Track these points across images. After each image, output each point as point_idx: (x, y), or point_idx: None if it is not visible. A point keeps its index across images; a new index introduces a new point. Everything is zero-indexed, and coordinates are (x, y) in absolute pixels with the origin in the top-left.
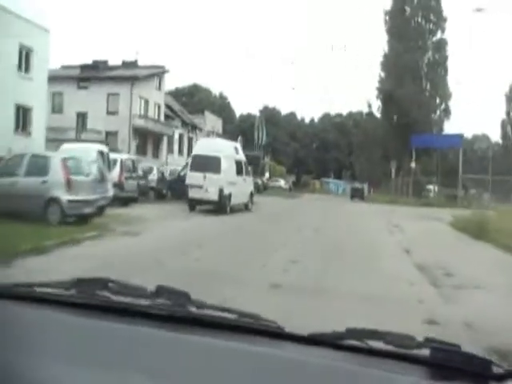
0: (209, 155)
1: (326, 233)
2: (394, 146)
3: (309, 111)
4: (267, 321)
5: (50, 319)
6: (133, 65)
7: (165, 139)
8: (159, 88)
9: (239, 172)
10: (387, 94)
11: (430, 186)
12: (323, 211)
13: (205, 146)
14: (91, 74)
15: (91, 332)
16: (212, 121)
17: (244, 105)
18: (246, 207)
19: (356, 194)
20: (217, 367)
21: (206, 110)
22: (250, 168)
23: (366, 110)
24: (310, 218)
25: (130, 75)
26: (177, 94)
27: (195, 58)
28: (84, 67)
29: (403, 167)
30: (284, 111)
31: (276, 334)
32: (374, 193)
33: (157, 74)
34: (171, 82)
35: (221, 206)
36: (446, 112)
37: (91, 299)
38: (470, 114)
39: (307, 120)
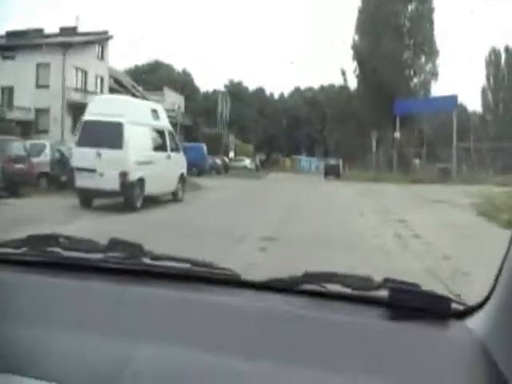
0: (105, 121)
1: (287, 246)
2: (374, 114)
3: (278, 86)
4: (222, 269)
5: (1, 279)
6: (71, 31)
7: None
8: (101, 57)
9: (160, 147)
10: (364, 54)
11: (416, 160)
12: (289, 197)
13: (101, 106)
14: (18, 42)
15: (44, 289)
16: (172, 98)
17: (210, 82)
18: (174, 197)
19: (330, 172)
20: (171, 317)
21: (166, 87)
22: (178, 140)
23: (338, 82)
24: (269, 208)
25: (63, 42)
26: (136, 72)
27: (157, 32)
28: (11, 34)
29: (385, 139)
30: (252, 87)
31: (232, 282)
32: (349, 169)
33: (97, 40)
34: (130, 59)
35: (126, 200)
36: (433, 73)
37: (43, 256)
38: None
39: (276, 95)
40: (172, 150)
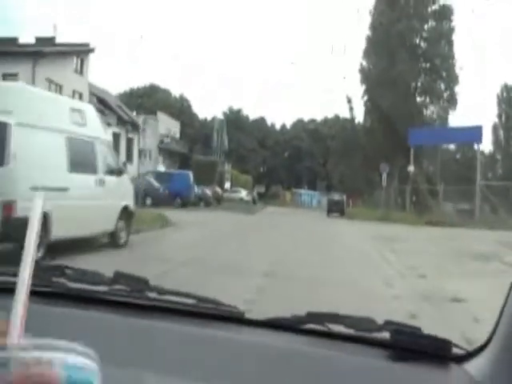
0: None
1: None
2: (384, 145)
3: (280, 117)
4: (227, 306)
5: (6, 308)
6: (47, 42)
7: None
8: (80, 72)
9: (84, 166)
10: (373, 78)
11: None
12: (285, 240)
13: None
14: None
15: (47, 319)
16: (166, 123)
17: (209, 109)
18: (112, 240)
19: (334, 208)
20: (175, 351)
21: (160, 111)
22: (120, 160)
23: (343, 114)
24: (252, 262)
25: (33, 51)
26: (132, 95)
27: (155, 55)
28: None
29: (395, 174)
30: (253, 116)
31: (236, 320)
32: (353, 206)
33: (75, 52)
34: (126, 82)
35: (14, 248)
36: (452, 100)
37: (48, 286)
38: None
39: (278, 126)
40: (109, 172)
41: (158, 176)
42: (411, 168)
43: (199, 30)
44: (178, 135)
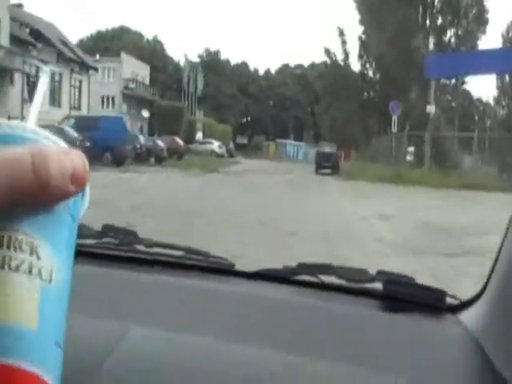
0: None
1: None
2: (390, 80)
3: (264, 62)
4: (217, 257)
5: None
6: None
7: (16, 78)
8: None
9: None
10: None
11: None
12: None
13: None
14: None
15: None
16: (133, 66)
17: (185, 52)
18: None
19: (324, 163)
20: (162, 302)
21: (124, 52)
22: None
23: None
24: None
25: None
26: (99, 38)
27: None
28: None
29: (407, 115)
30: (234, 60)
31: (226, 271)
32: (345, 159)
33: None
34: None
35: None
36: (480, 19)
37: None
38: None
39: (262, 72)
40: None
41: (79, 122)
42: (431, 108)
43: None
44: (147, 80)
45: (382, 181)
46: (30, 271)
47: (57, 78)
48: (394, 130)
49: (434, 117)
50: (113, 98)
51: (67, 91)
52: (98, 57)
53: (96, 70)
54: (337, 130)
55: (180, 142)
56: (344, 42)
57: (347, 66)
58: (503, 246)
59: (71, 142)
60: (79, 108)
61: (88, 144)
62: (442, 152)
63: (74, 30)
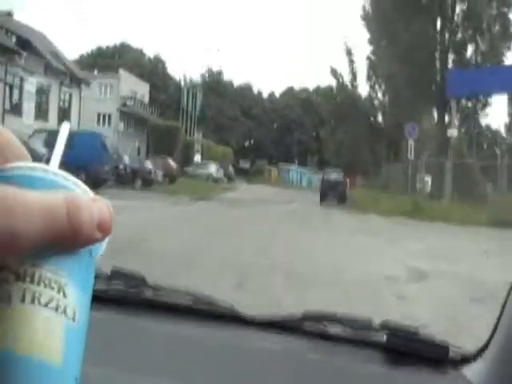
0: None
1: None
2: (405, 100)
3: (268, 85)
4: (223, 305)
5: None
6: None
7: None
8: None
9: None
10: (386, 11)
11: (427, 178)
12: None
13: None
14: None
15: None
16: (131, 83)
17: (188, 73)
18: None
19: (330, 193)
20: (169, 351)
21: (123, 69)
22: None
23: (335, 86)
24: None
25: None
26: (99, 54)
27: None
28: None
29: (424, 140)
30: (237, 82)
31: (231, 318)
32: (351, 187)
33: None
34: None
35: None
36: (505, 34)
37: None
38: None
39: (266, 94)
40: None
41: (51, 138)
42: (453, 132)
43: None
44: (146, 99)
45: (397, 214)
46: (57, 308)
47: (44, 90)
48: (411, 156)
49: (456, 142)
50: (109, 116)
51: (55, 105)
52: (95, 72)
53: (88, 84)
54: (343, 154)
55: (172, 163)
56: (352, 62)
57: (355, 87)
58: (508, 300)
59: (38, 159)
60: (69, 122)
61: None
62: (466, 182)
63: (76, 45)
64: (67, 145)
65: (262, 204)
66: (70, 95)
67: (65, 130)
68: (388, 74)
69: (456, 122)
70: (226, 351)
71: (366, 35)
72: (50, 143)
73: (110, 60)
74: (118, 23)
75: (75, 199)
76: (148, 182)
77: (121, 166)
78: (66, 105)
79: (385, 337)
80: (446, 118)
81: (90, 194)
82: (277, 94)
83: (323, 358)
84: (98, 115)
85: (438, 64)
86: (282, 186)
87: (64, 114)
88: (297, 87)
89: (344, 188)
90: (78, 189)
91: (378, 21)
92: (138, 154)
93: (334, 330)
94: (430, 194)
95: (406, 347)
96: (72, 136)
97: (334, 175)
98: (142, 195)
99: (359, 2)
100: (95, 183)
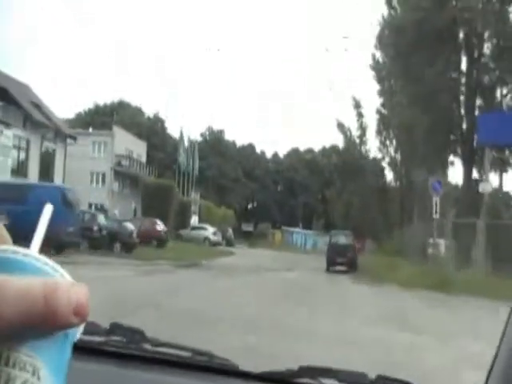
0: None
1: None
2: (425, 153)
3: (272, 145)
4: (221, 359)
5: None
6: None
7: None
8: None
9: None
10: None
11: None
12: None
13: None
14: None
15: None
16: (127, 141)
17: (188, 132)
18: None
19: (339, 259)
20: None
21: (117, 126)
22: None
23: (343, 142)
24: None
25: None
26: (97, 112)
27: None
28: None
29: (448, 197)
30: (240, 142)
31: (230, 372)
32: (359, 253)
33: None
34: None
35: None
36: None
37: None
38: None
39: (269, 155)
40: None
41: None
42: (486, 187)
43: (181, 41)
44: (143, 158)
45: (420, 287)
46: None
47: (23, 144)
48: (436, 215)
49: (490, 197)
50: (103, 175)
51: (36, 161)
52: (90, 130)
53: (74, 139)
54: (351, 217)
55: (160, 225)
56: (360, 115)
57: (364, 142)
58: (504, 336)
59: None
60: (52, 181)
61: (6, 222)
62: (504, 246)
63: (74, 104)
64: (21, 199)
65: (258, 272)
66: (54, 151)
67: (48, 210)
68: (404, 123)
69: (489, 175)
70: None
71: (375, 87)
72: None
73: (107, 118)
74: (116, 80)
75: (53, 284)
76: (129, 246)
77: (94, 228)
78: (49, 161)
79: None
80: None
81: (68, 278)
82: (281, 155)
83: None
84: (91, 174)
85: (462, 110)
86: (286, 249)
87: (46, 171)
88: (302, 148)
89: (354, 253)
90: (57, 273)
91: (396, 64)
92: (135, 215)
93: (330, 383)
94: (445, 261)
95: None
96: (27, 189)
97: (343, 238)
98: (110, 261)
99: (366, 50)
100: (56, 247)
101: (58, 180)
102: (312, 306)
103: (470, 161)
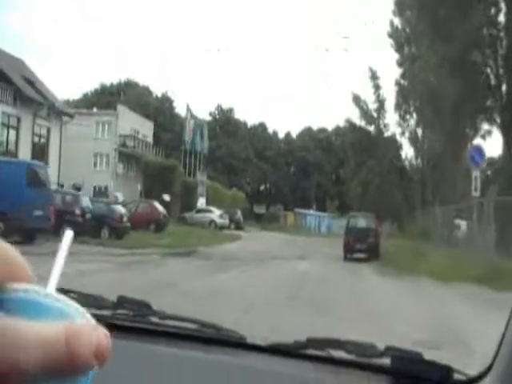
0: None
1: None
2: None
3: (284, 124)
4: (229, 331)
5: None
6: None
7: None
8: None
9: None
10: None
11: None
12: None
13: None
14: None
15: None
16: (133, 121)
17: (198, 112)
18: None
19: (358, 245)
20: (177, 377)
21: (122, 105)
22: None
23: (359, 116)
24: None
25: None
26: (103, 92)
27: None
28: None
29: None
30: (251, 122)
31: (237, 344)
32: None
33: None
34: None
35: None
36: None
37: None
38: None
39: (282, 135)
40: None
41: None
42: None
43: (190, 19)
44: (150, 139)
45: (462, 280)
46: None
47: (13, 122)
48: (476, 193)
49: None
50: (107, 156)
51: (28, 140)
52: (95, 109)
53: (71, 116)
54: (368, 197)
55: (160, 208)
56: (377, 88)
57: (382, 116)
58: (509, 323)
59: None
60: (46, 163)
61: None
62: None
63: (81, 83)
64: None
65: (263, 262)
66: (48, 129)
67: (67, 238)
68: (430, 90)
69: None
70: (230, 375)
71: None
72: None
73: (114, 98)
74: (124, 60)
75: (74, 329)
76: (119, 232)
77: (76, 211)
78: (43, 140)
79: (389, 361)
80: None
81: (90, 319)
82: (293, 135)
83: (328, 380)
84: (95, 156)
85: (501, 70)
86: (298, 232)
87: (40, 151)
88: (315, 127)
89: (377, 239)
90: (78, 314)
91: (421, 21)
92: (141, 196)
93: (338, 354)
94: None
95: (410, 371)
96: None
97: (363, 221)
98: (90, 250)
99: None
100: (27, 233)
101: (53, 161)
102: (329, 313)
103: (510, 128)
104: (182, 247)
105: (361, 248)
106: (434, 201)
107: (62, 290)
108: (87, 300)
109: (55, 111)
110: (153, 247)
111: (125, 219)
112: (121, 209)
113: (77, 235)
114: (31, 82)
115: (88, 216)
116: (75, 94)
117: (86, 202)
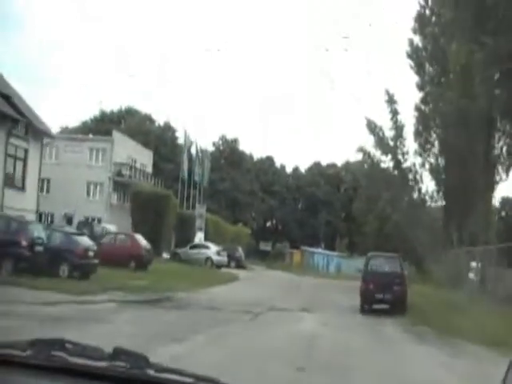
0: None
1: None
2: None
3: (292, 159)
4: None
5: (6, 381)
6: None
7: None
8: None
9: None
10: None
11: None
12: None
13: None
14: None
15: None
16: (130, 149)
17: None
18: None
19: (379, 295)
20: None
21: (117, 131)
22: None
23: (374, 144)
24: None
25: None
26: (103, 119)
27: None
28: None
29: None
30: (257, 155)
31: None
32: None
33: None
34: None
35: None
36: None
37: (48, 361)
38: None
39: (289, 169)
40: None
41: None
42: None
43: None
44: (149, 168)
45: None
46: None
47: None
48: None
49: None
50: (101, 185)
51: (0, 161)
52: (90, 135)
53: (52, 137)
54: (384, 234)
55: (142, 242)
56: (395, 113)
57: (401, 144)
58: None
59: None
60: (22, 188)
61: None
62: None
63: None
64: None
65: (253, 320)
66: (26, 151)
67: None
68: (457, 114)
69: None
70: None
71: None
72: None
73: (114, 125)
74: (125, 87)
75: None
76: (82, 270)
77: (23, 242)
78: (20, 164)
79: None
80: None
81: None
82: (302, 169)
83: None
84: (88, 184)
85: None
86: (305, 272)
87: (12, 175)
88: (324, 162)
89: (404, 287)
90: None
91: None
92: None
93: None
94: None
95: None
96: None
97: (386, 264)
98: (24, 295)
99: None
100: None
101: (31, 187)
102: None
103: None
104: (160, 291)
105: (384, 298)
106: (461, 241)
107: (61, 341)
108: (84, 350)
109: (33, 130)
110: (122, 290)
111: (90, 254)
112: (86, 241)
113: (22, 271)
114: (7, 96)
115: (39, 249)
116: (74, 122)
117: (37, 230)
